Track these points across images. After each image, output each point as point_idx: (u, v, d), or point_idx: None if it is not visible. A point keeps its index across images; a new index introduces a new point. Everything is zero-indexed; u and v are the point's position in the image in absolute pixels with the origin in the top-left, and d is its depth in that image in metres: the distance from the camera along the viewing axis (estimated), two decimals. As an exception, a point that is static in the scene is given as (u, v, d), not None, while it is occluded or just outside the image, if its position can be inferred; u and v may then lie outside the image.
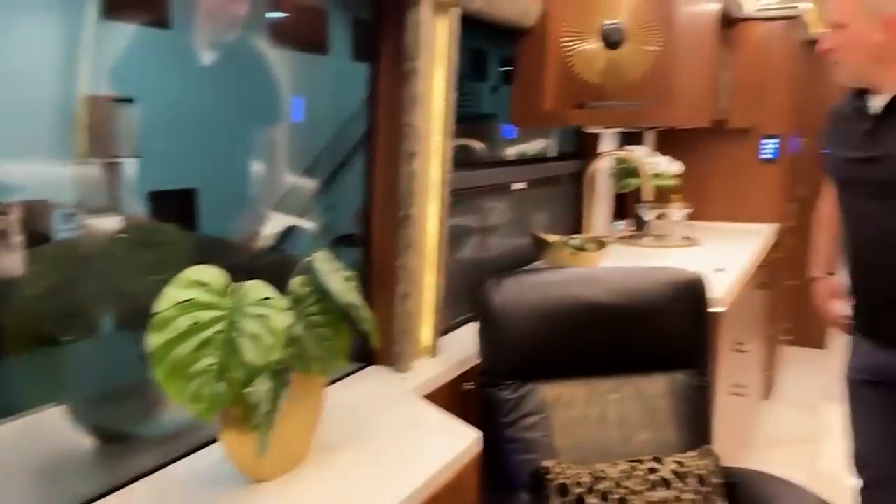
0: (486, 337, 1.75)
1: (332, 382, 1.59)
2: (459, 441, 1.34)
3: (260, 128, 1.75)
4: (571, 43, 2.07)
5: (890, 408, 1.85)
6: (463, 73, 2.28)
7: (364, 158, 1.69)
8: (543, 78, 2.06)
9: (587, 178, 2.60)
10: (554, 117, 2.06)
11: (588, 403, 1.78)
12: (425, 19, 1.56)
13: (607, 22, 2.06)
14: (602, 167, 2.89)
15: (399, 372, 1.69)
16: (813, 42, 4.17)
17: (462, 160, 2.37)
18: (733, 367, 2.41)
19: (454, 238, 2.25)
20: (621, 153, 2.70)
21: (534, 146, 2.86)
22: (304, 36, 1.90)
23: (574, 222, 2.96)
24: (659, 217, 3.03)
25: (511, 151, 2.77)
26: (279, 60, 1.69)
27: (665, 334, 1.82)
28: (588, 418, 1.75)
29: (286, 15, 1.81)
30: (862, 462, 1.93)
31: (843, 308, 1.92)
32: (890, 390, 1.83)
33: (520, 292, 1.76)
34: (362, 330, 1.22)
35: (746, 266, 2.58)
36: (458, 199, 2.20)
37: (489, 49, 2.43)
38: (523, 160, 2.61)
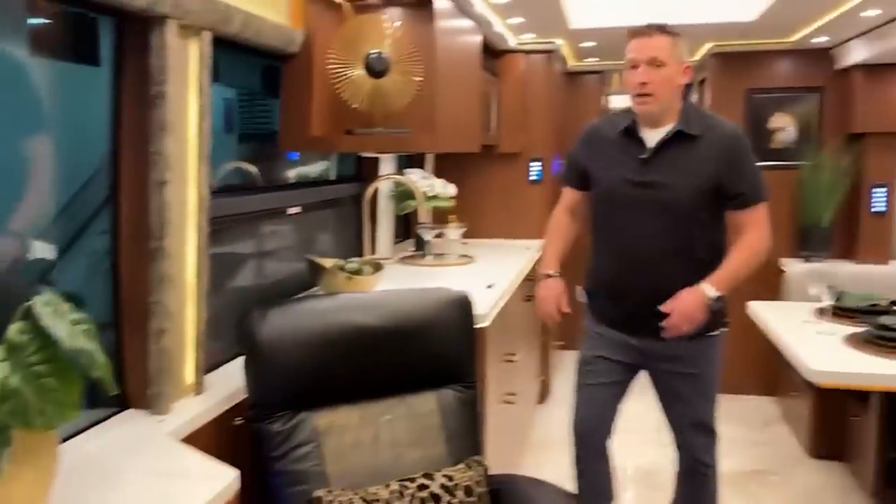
0: (252, 369, 1.70)
1: (76, 434, 1.45)
2: (215, 483, 1.28)
3: (17, 143, 1.54)
4: (337, 70, 2.09)
5: (621, 381, 2.21)
6: (255, 90, 2.24)
7: (108, 186, 1.57)
8: (310, 103, 2.06)
9: (365, 200, 2.63)
10: (322, 143, 2.07)
11: (361, 428, 1.79)
12: (172, 42, 1.49)
13: (372, 51, 2.11)
14: (382, 189, 2.95)
15: (157, 415, 1.59)
16: (571, 73, 4.63)
17: (237, 184, 2.31)
18: (504, 377, 2.57)
19: (226, 267, 2.18)
20: (397, 177, 2.77)
21: (315, 168, 2.85)
22: (69, 44, 1.71)
23: (358, 244, 2.99)
24: (438, 237, 3.16)
25: (292, 173, 2.74)
26: (41, 70, 1.50)
27: (433, 352, 1.89)
28: (361, 443, 1.76)
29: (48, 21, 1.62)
30: (585, 427, 2.23)
31: (564, 304, 2.16)
32: (625, 367, 2.19)
33: (285, 322, 1.73)
34: (96, 377, 1.12)
35: (514, 280, 2.76)
36: (230, 225, 2.14)
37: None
38: (300, 183, 2.59)
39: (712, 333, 2.12)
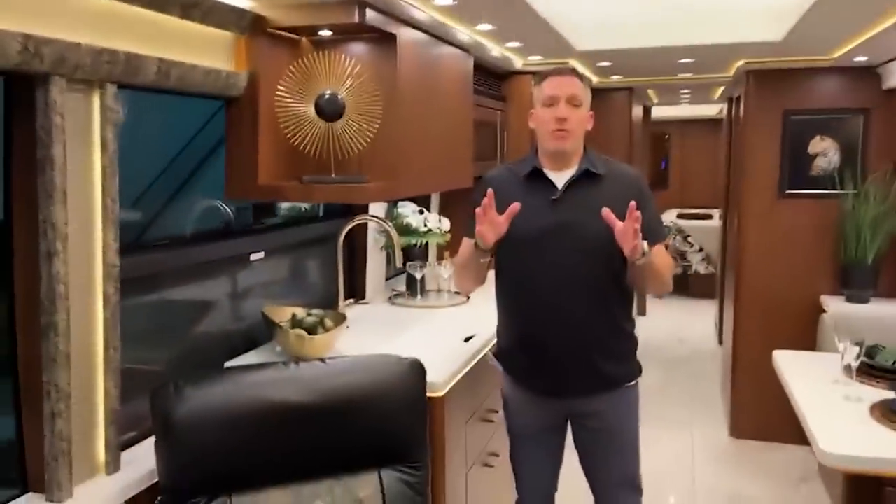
0: (164, 450, 1.55)
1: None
2: None
3: None
4: (287, 112, 1.94)
5: (556, 445, 2.11)
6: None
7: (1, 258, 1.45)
8: (257, 149, 1.91)
9: (339, 241, 2.48)
10: (270, 191, 1.92)
11: (290, 514, 1.63)
12: (61, 100, 1.36)
13: (325, 92, 1.95)
14: (371, 226, 2.79)
15: (54, 501, 1.46)
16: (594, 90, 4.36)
17: (203, 230, 2.18)
18: (483, 437, 2.36)
19: (176, 319, 2.05)
20: (370, 217, 2.59)
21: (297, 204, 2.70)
22: None
23: (348, 286, 2.83)
24: (430, 274, 2.97)
25: (284, 207, 2.61)
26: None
27: (376, 429, 1.71)
28: (284, 533, 1.60)
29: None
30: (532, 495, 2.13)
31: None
32: (554, 429, 2.08)
33: (203, 398, 1.58)
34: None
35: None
36: (190, 272, 2.02)
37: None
38: (272, 226, 2.45)
39: (630, 384, 2.05)
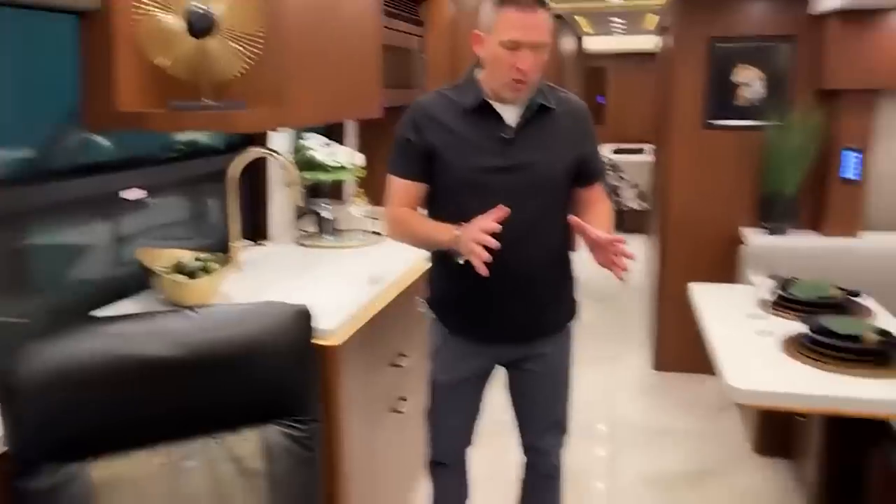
0: (9, 414, 1.38)
1: None
2: None
3: None
4: (149, 27, 1.70)
5: (481, 395, 2.01)
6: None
7: None
8: (115, 70, 1.68)
9: (230, 177, 2.27)
10: (132, 119, 1.70)
11: (158, 479, 1.49)
12: None
13: (195, 5, 1.72)
14: (272, 161, 2.58)
15: None
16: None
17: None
18: (393, 383, 2.25)
19: (32, 270, 1.84)
20: (264, 150, 2.37)
21: (193, 135, 2.46)
22: None
23: (250, 226, 2.64)
24: (341, 212, 2.80)
25: (182, 139, 2.37)
26: None
27: (255, 382, 1.57)
28: (150, 499, 1.46)
29: None
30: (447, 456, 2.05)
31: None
32: (484, 377, 1.98)
33: (52, 357, 1.40)
34: None
35: (418, 265, 2.42)
36: (50, 215, 1.80)
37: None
38: (153, 160, 2.22)
39: (570, 324, 1.99)
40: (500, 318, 1.86)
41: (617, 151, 7.76)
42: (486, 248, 1.59)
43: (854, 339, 2.07)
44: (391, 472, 2.34)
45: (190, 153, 2.45)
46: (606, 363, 4.03)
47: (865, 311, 2.50)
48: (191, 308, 1.62)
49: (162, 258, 1.98)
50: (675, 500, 2.70)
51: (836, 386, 1.93)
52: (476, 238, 1.61)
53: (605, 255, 1.68)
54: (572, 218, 1.72)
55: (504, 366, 1.99)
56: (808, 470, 2.65)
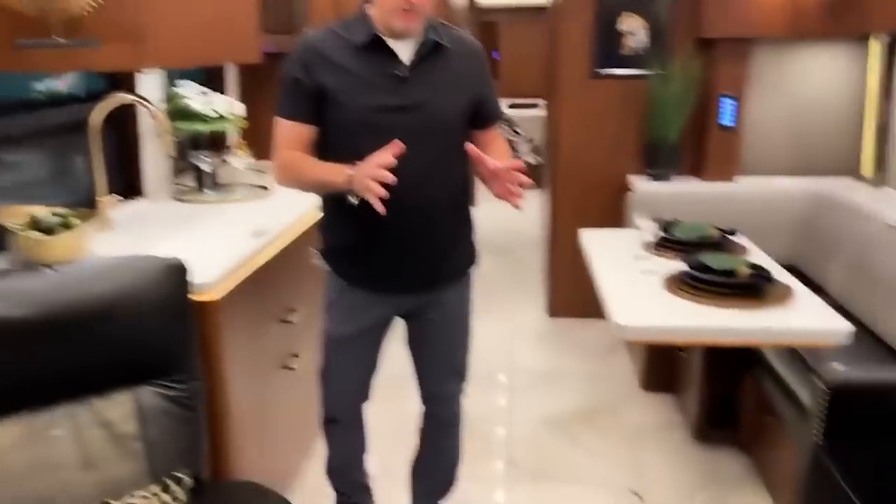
0: None
1: None
2: None
3: None
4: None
5: (378, 348, 1.96)
6: None
7: None
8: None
9: (92, 127, 2.09)
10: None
11: (20, 449, 1.37)
12: None
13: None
14: (143, 111, 2.39)
15: None
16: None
17: None
18: (283, 340, 2.18)
19: None
20: (130, 97, 2.20)
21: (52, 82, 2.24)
22: None
23: (123, 181, 2.45)
24: (222, 165, 2.66)
25: (41, 88, 2.14)
26: None
27: (121, 343, 1.47)
28: (15, 470, 1.35)
29: None
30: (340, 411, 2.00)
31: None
32: (382, 328, 1.93)
33: None
34: None
35: (305, 218, 2.33)
36: None
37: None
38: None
39: (470, 271, 1.96)
40: (400, 265, 1.80)
41: (512, 106, 7.81)
42: (384, 185, 1.54)
43: (729, 273, 2.17)
44: (286, 432, 2.29)
45: (48, 102, 2.23)
46: (504, 313, 4.09)
47: (740, 249, 2.63)
48: (49, 266, 1.49)
49: (17, 215, 1.80)
50: (570, 437, 2.79)
51: (712, 318, 2.02)
52: (372, 174, 1.55)
53: (502, 184, 1.65)
54: (469, 146, 1.67)
55: (403, 316, 1.94)
56: (689, 402, 2.80)
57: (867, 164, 3.37)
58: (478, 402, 3.02)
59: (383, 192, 1.53)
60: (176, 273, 1.54)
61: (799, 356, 2.30)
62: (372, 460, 2.41)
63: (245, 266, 1.90)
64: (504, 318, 4.01)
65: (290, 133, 1.75)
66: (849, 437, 1.83)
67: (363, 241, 1.78)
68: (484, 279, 4.87)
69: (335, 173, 1.66)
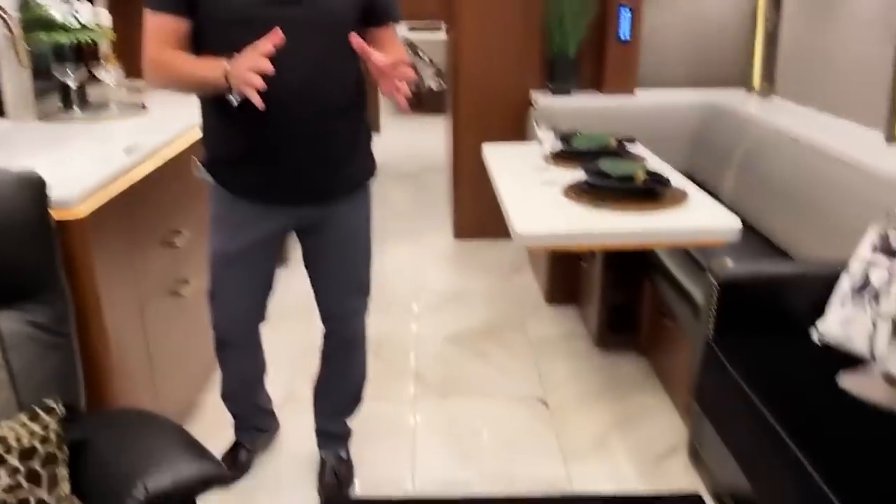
0: None
1: None
2: None
3: None
4: None
5: (270, 263, 1.86)
6: None
7: None
8: None
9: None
10: None
11: None
12: None
13: None
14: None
15: None
16: None
17: None
18: (166, 263, 2.04)
19: None
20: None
21: None
22: None
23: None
24: (91, 82, 2.42)
25: None
26: None
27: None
28: None
29: None
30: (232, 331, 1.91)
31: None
32: (273, 242, 1.83)
33: None
34: None
35: (184, 134, 2.17)
36: None
37: None
38: None
39: (368, 182, 1.86)
40: (289, 175, 1.69)
41: (412, 29, 7.58)
42: (264, 78, 1.42)
43: (626, 179, 2.19)
44: (181, 361, 2.17)
45: None
46: (411, 238, 4.04)
47: (639, 158, 2.65)
48: None
49: None
50: (477, 353, 2.81)
51: (610, 222, 2.03)
52: (249, 65, 1.43)
53: (389, 81, 1.55)
54: (354, 37, 1.54)
55: (297, 231, 1.85)
56: (591, 311, 2.86)
57: (757, 76, 3.46)
58: (386, 324, 3.00)
59: (261, 84, 1.42)
60: (32, 187, 1.38)
61: (693, 259, 2.36)
62: (276, 386, 2.35)
63: (116, 183, 1.74)
64: (411, 243, 3.96)
65: (160, 27, 1.59)
66: (738, 330, 1.91)
67: (247, 148, 1.65)
68: (391, 205, 4.85)
69: (210, 68, 1.52)
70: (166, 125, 2.22)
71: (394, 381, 2.62)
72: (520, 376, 2.65)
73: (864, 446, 1.46)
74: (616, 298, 2.73)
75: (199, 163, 1.77)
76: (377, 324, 2.94)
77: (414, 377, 2.66)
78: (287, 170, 1.68)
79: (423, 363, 2.75)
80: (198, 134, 1.88)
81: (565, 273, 3.10)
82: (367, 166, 1.86)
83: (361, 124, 1.81)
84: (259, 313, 1.92)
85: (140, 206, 1.86)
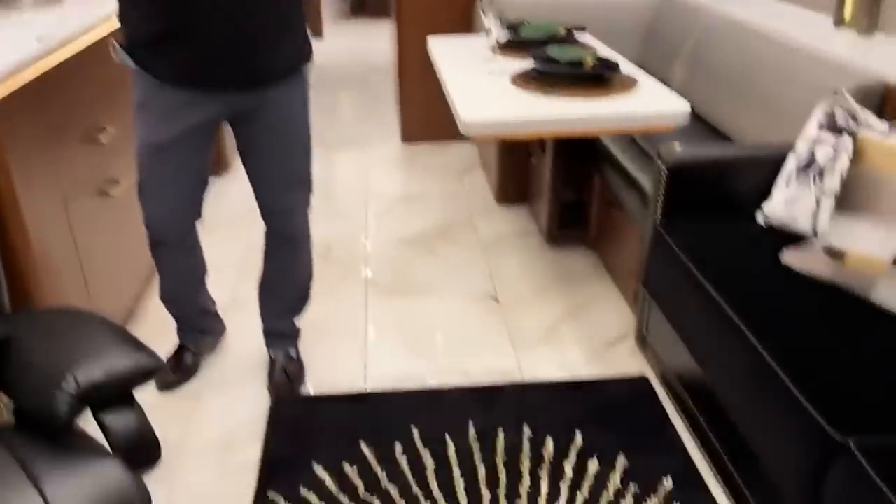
0: None
1: None
2: None
3: None
4: None
5: (204, 153, 1.76)
6: None
7: None
8: None
9: None
10: None
11: None
12: None
13: None
14: None
15: None
16: None
17: None
18: (96, 162, 1.92)
19: None
20: None
21: None
22: None
23: None
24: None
25: None
26: None
27: None
28: None
29: None
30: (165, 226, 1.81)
31: None
32: (206, 131, 1.72)
33: None
34: None
35: (102, 23, 2.00)
36: None
37: None
38: None
39: (303, 67, 1.76)
40: (216, 56, 1.57)
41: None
42: None
43: (575, 65, 2.12)
44: (117, 264, 2.08)
45: None
46: (357, 144, 3.92)
47: (588, 46, 2.57)
48: None
49: None
50: (428, 253, 2.78)
51: (559, 108, 1.97)
52: None
53: None
54: None
55: (230, 120, 1.74)
56: (541, 208, 2.84)
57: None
58: (334, 229, 2.94)
59: None
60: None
61: (641, 149, 2.34)
62: (220, 289, 2.29)
63: (26, 72, 1.59)
64: (358, 150, 3.85)
65: None
66: (685, 214, 1.90)
67: (166, 25, 1.52)
68: (336, 112, 4.69)
69: None
70: (84, 14, 2.04)
71: (344, 284, 2.58)
72: (471, 275, 2.64)
73: (807, 319, 1.49)
74: (566, 195, 2.71)
75: (116, 45, 1.63)
76: (326, 229, 2.90)
77: (364, 279, 2.62)
78: (211, 51, 1.56)
79: (374, 265, 2.71)
80: (113, 24, 1.73)
81: (516, 173, 3.06)
82: (302, 50, 1.74)
83: (296, 3, 1.68)
84: (193, 210, 1.82)
85: (57, 97, 1.72)
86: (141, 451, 1.18)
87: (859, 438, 1.17)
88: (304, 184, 1.87)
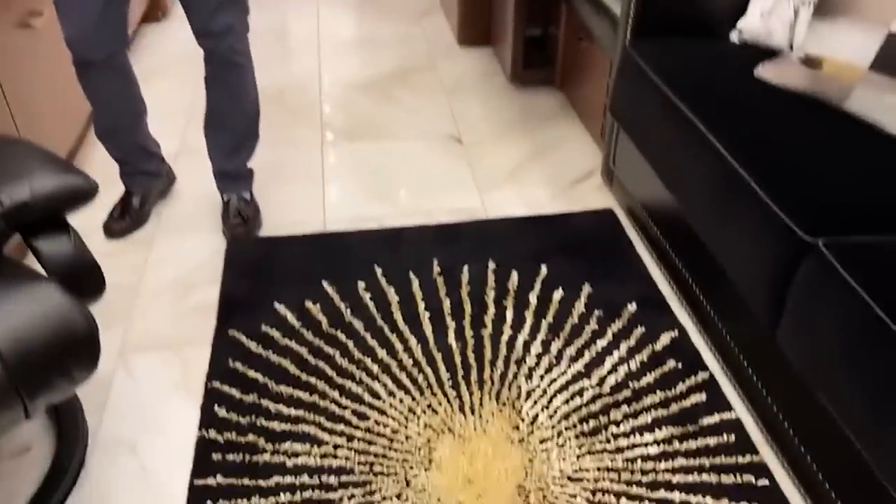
0: None
1: None
2: None
3: None
4: None
5: None
6: None
7: None
8: None
9: None
10: None
11: None
12: None
13: None
14: None
15: None
16: None
17: None
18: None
19: None
20: None
21: None
22: None
23: None
24: None
25: None
26: None
27: None
28: None
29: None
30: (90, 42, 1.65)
31: None
32: None
33: None
34: None
35: None
36: None
37: None
38: None
39: None
40: None
41: None
42: None
43: None
44: (46, 104, 1.92)
45: None
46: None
47: None
48: None
49: None
50: (387, 97, 2.64)
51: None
52: None
53: None
54: None
55: None
56: (505, 48, 2.68)
57: None
58: (287, 73, 2.77)
59: None
60: None
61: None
62: (167, 138, 2.16)
63: None
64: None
65: None
66: (656, 35, 1.80)
67: None
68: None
69: None
70: None
71: (300, 128, 2.45)
72: (432, 117, 2.52)
73: (781, 130, 1.44)
74: (532, 30, 2.55)
75: None
76: (278, 72, 2.73)
77: (321, 123, 2.49)
78: None
79: (331, 109, 2.57)
80: None
81: (478, 11, 2.88)
82: None
83: None
84: (114, 25, 1.66)
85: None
86: (79, 276, 1.10)
87: (828, 239, 1.15)
88: (239, 2, 1.70)
